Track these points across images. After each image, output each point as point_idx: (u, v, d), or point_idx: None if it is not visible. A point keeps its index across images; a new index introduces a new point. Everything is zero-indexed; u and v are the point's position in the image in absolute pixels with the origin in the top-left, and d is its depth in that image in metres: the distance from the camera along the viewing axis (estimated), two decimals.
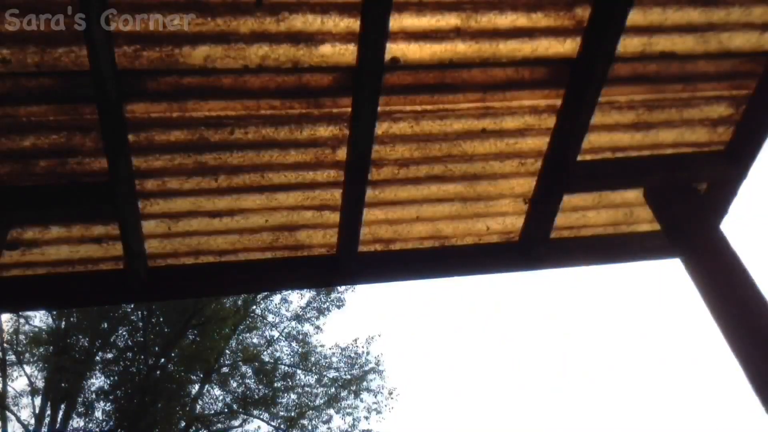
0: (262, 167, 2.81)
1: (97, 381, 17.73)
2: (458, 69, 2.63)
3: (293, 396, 19.81)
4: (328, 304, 20.58)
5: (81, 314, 17.57)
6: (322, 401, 19.91)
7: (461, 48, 2.57)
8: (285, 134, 2.72)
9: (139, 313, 18.09)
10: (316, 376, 20.15)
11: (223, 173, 2.80)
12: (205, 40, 2.37)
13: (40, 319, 18.25)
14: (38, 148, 2.55)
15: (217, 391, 19.44)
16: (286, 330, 20.48)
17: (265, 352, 20.21)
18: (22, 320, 18.01)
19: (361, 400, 20.10)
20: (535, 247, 3.21)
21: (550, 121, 2.87)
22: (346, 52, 2.50)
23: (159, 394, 16.63)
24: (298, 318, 20.50)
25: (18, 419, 17.15)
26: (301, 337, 20.44)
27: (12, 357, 17.94)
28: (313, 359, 20.30)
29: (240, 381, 19.62)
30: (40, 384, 17.55)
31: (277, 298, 20.37)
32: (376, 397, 20.16)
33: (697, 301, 2.75)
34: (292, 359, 20.29)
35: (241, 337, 20.17)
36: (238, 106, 2.58)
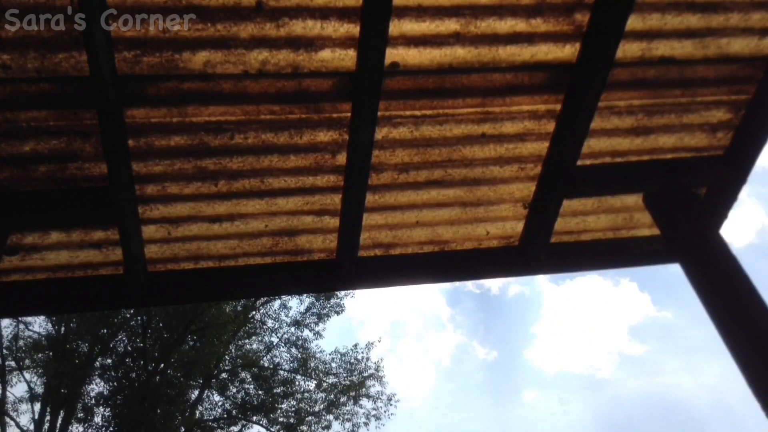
0: (261, 172, 2.81)
1: (97, 386, 17.72)
2: (458, 74, 2.63)
3: (292, 402, 19.79)
4: (327, 309, 20.58)
5: (80, 319, 17.57)
6: (321, 407, 19.88)
7: (461, 53, 2.57)
8: (285, 139, 2.72)
9: (139, 318, 18.09)
10: (315, 382, 20.13)
11: (222, 178, 2.80)
12: (205, 45, 2.37)
13: (39, 324, 18.25)
14: (38, 153, 2.56)
15: (216, 397, 19.43)
16: (285, 336, 20.48)
17: (264, 358, 20.19)
18: (21, 326, 18.01)
19: (361, 406, 20.08)
20: (535, 251, 3.21)
21: (550, 126, 2.87)
22: (346, 57, 2.51)
23: (158, 399, 16.60)
24: (297, 323, 20.49)
25: (17, 425, 17.11)
26: (300, 342, 20.44)
27: (11, 362, 17.92)
28: (312, 365, 20.28)
29: (239, 386, 19.60)
30: (39, 389, 17.52)
31: (276, 304, 20.38)
32: (375, 403, 20.14)
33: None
34: (291, 365, 20.27)
35: (240, 343, 20.15)
36: (238, 111, 2.59)
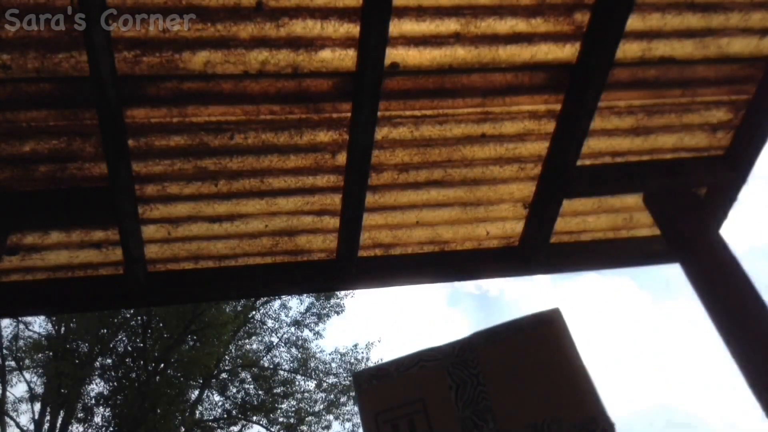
0: (261, 172, 2.81)
1: (97, 386, 17.73)
2: (458, 74, 2.63)
3: (292, 402, 19.80)
4: (327, 309, 20.58)
5: (80, 319, 17.57)
6: (321, 407, 19.88)
7: (461, 53, 2.57)
8: (285, 139, 2.72)
9: (139, 318, 18.09)
10: (315, 382, 20.13)
11: (222, 178, 2.80)
12: (205, 45, 2.37)
13: (39, 324, 18.26)
14: (38, 153, 2.55)
15: (216, 397, 19.44)
16: (285, 336, 20.48)
17: (264, 358, 20.20)
18: (21, 326, 18.01)
19: None
20: (535, 252, 3.21)
21: (550, 126, 2.87)
22: (346, 58, 2.50)
23: (158, 399, 16.61)
24: (297, 323, 20.49)
25: (17, 425, 17.12)
26: (300, 342, 20.44)
27: (11, 362, 17.92)
28: (312, 365, 20.28)
29: (239, 387, 19.61)
30: (39, 389, 17.53)
31: (276, 304, 20.37)
32: None
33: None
34: (291, 365, 20.27)
35: (240, 343, 20.16)
36: (238, 111, 2.58)
